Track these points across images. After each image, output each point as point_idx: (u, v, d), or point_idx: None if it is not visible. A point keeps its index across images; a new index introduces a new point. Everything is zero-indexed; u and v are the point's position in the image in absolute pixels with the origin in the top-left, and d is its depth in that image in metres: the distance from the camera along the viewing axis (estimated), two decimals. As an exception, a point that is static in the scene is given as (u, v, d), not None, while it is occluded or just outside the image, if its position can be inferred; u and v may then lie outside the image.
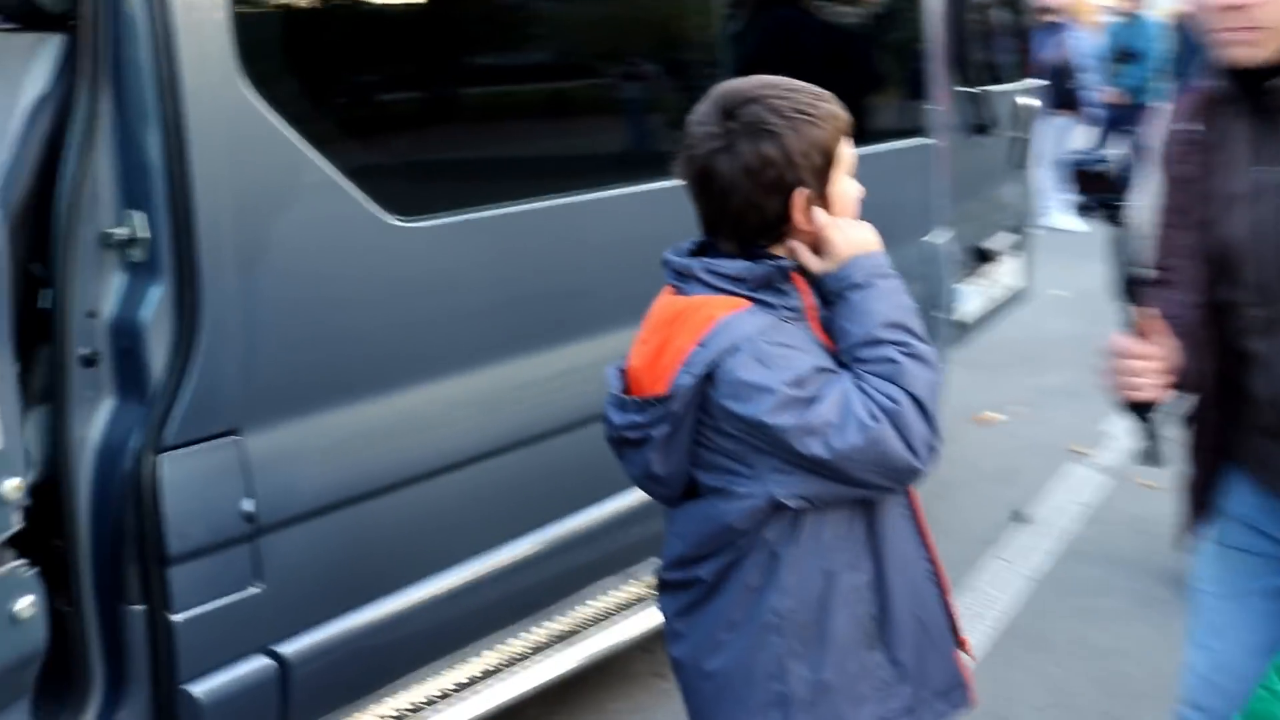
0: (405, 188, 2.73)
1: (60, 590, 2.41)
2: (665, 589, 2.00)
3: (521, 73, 3.10)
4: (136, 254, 2.34)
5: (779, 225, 1.85)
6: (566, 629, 3.11)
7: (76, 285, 2.30)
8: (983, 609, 4.24)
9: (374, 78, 2.74)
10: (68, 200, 2.29)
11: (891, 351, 1.79)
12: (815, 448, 1.75)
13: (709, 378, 1.78)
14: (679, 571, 1.96)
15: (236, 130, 2.37)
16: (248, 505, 2.47)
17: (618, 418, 1.90)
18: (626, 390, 1.90)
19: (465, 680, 2.86)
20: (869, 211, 1.95)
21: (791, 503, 1.81)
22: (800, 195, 1.83)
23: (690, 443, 1.85)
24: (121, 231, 2.32)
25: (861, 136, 1.89)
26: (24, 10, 2.52)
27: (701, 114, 1.86)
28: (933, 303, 4.56)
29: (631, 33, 3.37)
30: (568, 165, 3.16)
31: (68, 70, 2.34)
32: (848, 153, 1.89)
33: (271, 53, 2.45)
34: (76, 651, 2.41)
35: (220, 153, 2.35)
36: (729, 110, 1.83)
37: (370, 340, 2.68)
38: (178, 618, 2.39)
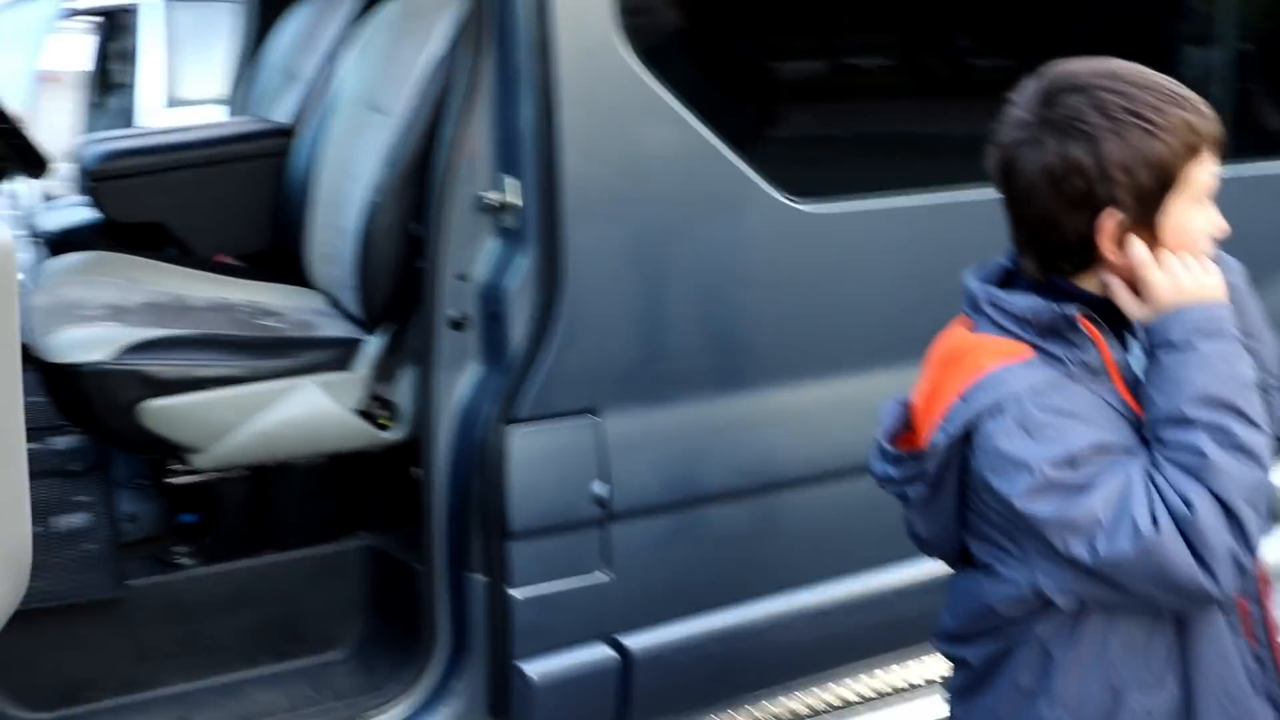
0: (806, 168, 2.53)
1: (415, 549, 2.44)
2: (948, 661, 1.70)
3: (954, 47, 2.79)
4: (508, 220, 2.30)
5: (1085, 250, 1.48)
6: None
7: (449, 247, 2.30)
8: None
9: (774, 45, 2.55)
10: (445, 162, 2.28)
11: (1201, 438, 1.38)
12: (1077, 549, 1.39)
13: (968, 438, 1.47)
14: (947, 646, 1.66)
15: (616, 99, 2.27)
16: (600, 489, 2.38)
17: (875, 466, 1.62)
18: (905, 429, 1.61)
19: (803, 712, 2.64)
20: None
21: (1060, 600, 1.46)
22: (1110, 218, 1.45)
23: (958, 505, 1.55)
24: (494, 196, 2.29)
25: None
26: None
27: (1022, 95, 1.52)
28: None
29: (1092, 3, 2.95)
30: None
31: (463, 33, 2.33)
32: (1202, 177, 1.48)
33: (656, 17, 2.32)
34: (425, 611, 2.42)
35: (597, 122, 2.26)
36: (1050, 96, 1.48)
37: (752, 331, 2.51)
38: (517, 593, 2.35)
